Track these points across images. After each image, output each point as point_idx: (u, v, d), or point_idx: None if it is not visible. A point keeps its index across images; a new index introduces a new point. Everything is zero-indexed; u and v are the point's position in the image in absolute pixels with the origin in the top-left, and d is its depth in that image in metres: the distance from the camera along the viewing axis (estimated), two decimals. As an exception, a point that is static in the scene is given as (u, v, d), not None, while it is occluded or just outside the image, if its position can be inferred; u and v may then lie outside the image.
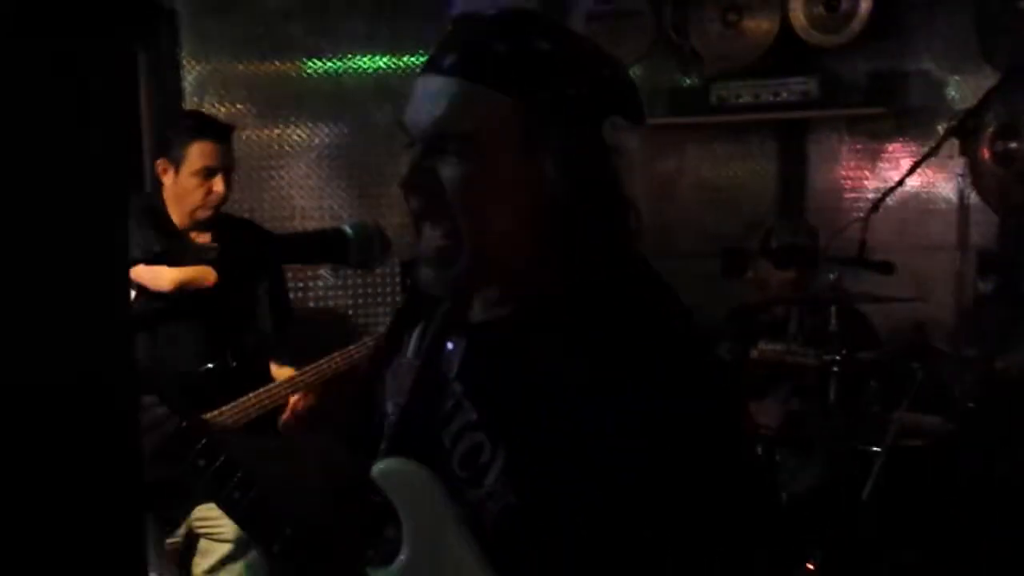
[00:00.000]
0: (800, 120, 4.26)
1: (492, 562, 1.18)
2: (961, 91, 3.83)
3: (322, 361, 2.84)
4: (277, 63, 3.95)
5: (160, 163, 2.93)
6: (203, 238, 2.92)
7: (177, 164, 2.90)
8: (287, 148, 4.00)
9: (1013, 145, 3.45)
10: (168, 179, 2.92)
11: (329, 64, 4.00)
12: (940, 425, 3.07)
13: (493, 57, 1.15)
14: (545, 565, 1.16)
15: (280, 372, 2.97)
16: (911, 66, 3.99)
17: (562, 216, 1.17)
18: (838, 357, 2.97)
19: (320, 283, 3.81)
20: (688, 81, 4.42)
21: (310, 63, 3.97)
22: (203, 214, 2.88)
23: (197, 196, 2.88)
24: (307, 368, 2.85)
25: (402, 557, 1.23)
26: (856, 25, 3.90)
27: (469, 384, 1.24)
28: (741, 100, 4.16)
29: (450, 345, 1.29)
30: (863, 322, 3.50)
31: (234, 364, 2.81)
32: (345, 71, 4.02)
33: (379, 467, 1.25)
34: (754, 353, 3.65)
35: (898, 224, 3.78)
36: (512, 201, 1.17)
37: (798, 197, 4.37)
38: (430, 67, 1.19)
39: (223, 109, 3.87)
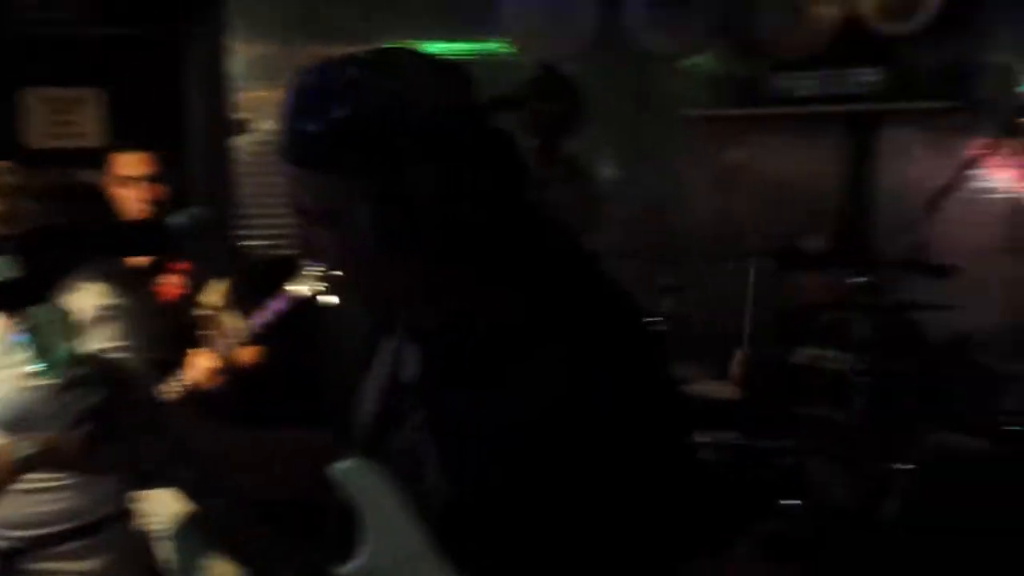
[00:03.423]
0: (870, 113, 4.04)
1: (442, 553, 1.24)
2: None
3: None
4: (325, 47, 3.93)
5: None
6: None
7: None
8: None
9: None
10: None
11: (376, 50, 3.96)
12: (981, 447, 2.87)
13: (302, 138, 1.20)
14: (490, 552, 1.21)
15: None
16: (987, 58, 3.73)
17: (415, 257, 1.23)
18: (863, 367, 2.80)
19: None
20: (752, 71, 4.24)
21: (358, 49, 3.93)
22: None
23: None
24: None
25: (361, 553, 1.30)
26: (927, 12, 3.67)
27: (422, 388, 1.32)
28: (805, 91, 3.97)
29: (409, 351, 1.35)
30: (911, 330, 3.30)
31: None
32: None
33: (336, 466, 1.31)
34: (798, 356, 3.50)
35: (958, 226, 3.54)
36: (361, 256, 1.23)
37: (864, 195, 4.15)
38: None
39: (270, 94, 3.88)
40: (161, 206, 2.99)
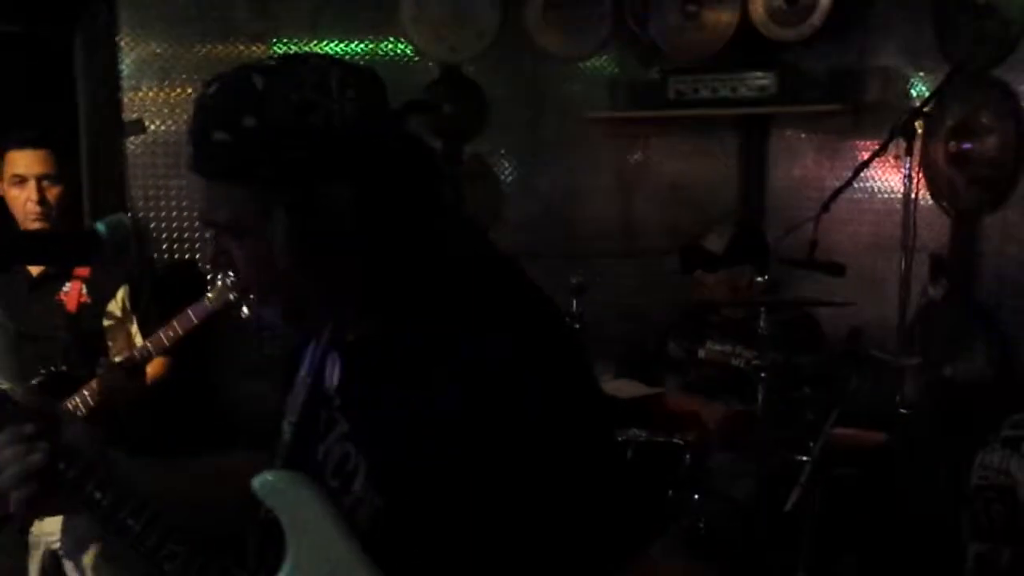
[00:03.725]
0: (761, 116, 4.15)
1: (372, 562, 1.22)
2: (922, 88, 3.69)
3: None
4: (219, 46, 3.84)
5: None
6: None
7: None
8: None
9: (967, 146, 3.33)
10: None
11: (273, 50, 3.88)
12: (879, 440, 2.97)
13: (210, 149, 1.17)
14: (419, 560, 1.21)
15: None
16: (872, 62, 3.87)
17: (333, 268, 1.22)
18: (761, 361, 2.89)
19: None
20: (648, 74, 4.30)
21: (253, 48, 3.86)
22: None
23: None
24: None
25: (287, 566, 1.27)
26: (816, 19, 3.79)
27: (345, 398, 1.31)
28: (699, 94, 4.05)
29: (331, 361, 1.34)
30: (809, 326, 3.40)
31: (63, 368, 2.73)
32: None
33: (259, 478, 1.29)
34: (702, 353, 3.58)
35: (850, 224, 3.67)
36: (275, 268, 1.21)
37: (758, 194, 4.26)
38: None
39: (162, 94, 3.77)
40: (56, 208, 2.88)
